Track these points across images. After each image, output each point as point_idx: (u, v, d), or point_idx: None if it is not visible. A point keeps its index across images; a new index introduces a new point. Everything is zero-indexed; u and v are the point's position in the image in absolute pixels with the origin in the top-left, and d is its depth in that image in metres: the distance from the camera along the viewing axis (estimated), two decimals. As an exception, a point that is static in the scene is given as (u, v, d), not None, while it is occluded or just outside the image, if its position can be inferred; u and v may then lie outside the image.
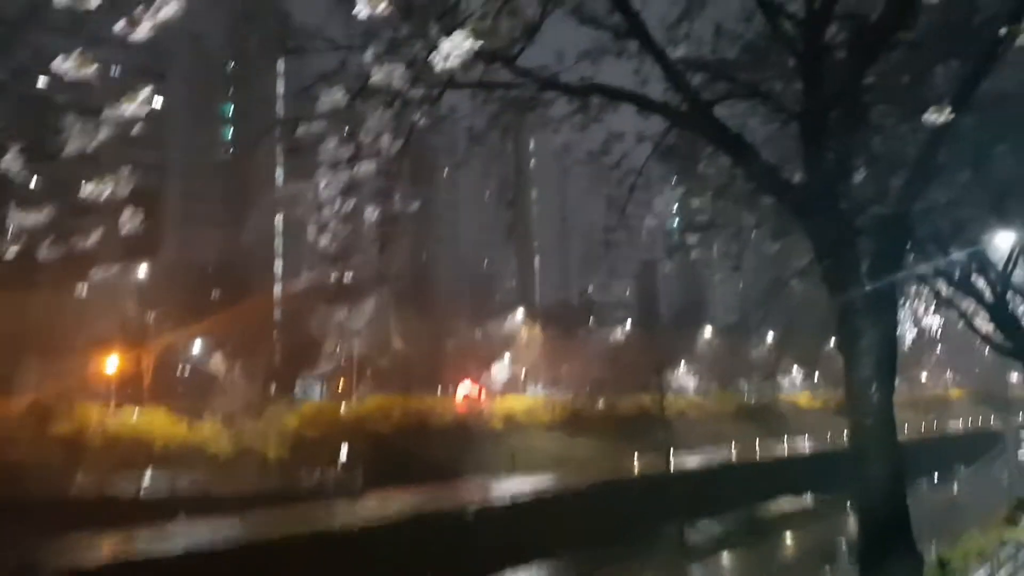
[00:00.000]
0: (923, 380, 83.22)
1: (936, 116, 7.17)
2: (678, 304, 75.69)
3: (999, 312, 10.43)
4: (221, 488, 38.06)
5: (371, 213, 8.26)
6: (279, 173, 58.34)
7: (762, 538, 37.02)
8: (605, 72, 7.23)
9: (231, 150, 62.53)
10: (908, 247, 10.19)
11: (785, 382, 74.82)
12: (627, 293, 75.85)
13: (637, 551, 34.13)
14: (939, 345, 78.82)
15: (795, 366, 74.23)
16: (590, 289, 72.03)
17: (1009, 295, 11.28)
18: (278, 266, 61.17)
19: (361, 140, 6.65)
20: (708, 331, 70.20)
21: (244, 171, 58.86)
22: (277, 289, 60.34)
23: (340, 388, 56.92)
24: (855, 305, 5.81)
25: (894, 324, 5.95)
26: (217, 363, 48.31)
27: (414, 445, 45.94)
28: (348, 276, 63.38)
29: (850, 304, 5.85)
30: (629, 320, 66.78)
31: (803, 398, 71.94)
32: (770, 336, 65.58)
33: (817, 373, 75.95)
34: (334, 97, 6.36)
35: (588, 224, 68.05)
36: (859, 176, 8.16)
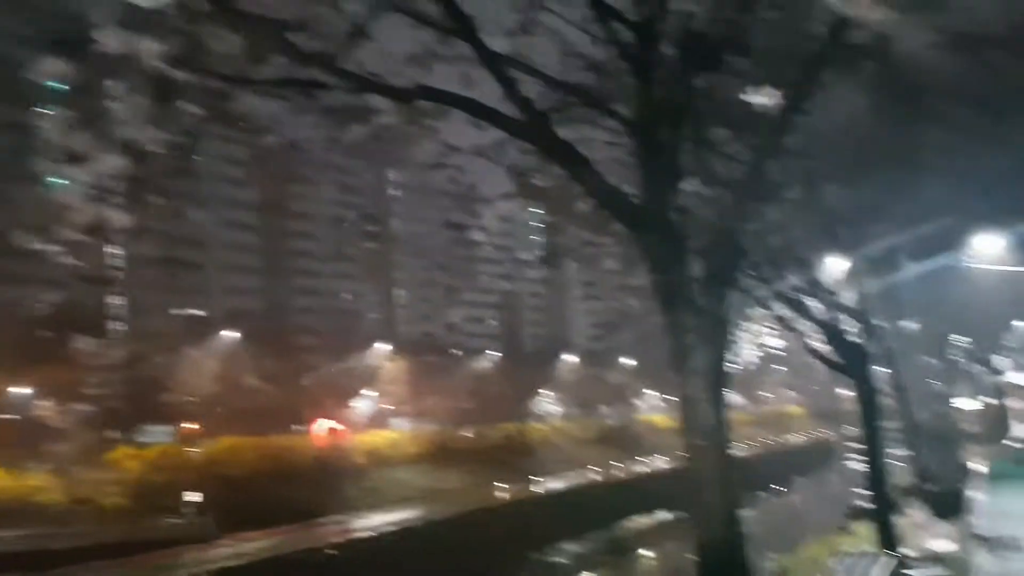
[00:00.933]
0: (768, 397, 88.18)
1: (757, 139, 7.51)
2: (542, 333, 76.83)
3: (830, 330, 11.00)
4: (56, 542, 35.05)
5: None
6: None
7: (621, 556, 37.72)
8: (443, 82, 7.03)
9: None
10: (742, 268, 10.63)
11: (643, 404, 77.16)
12: (493, 323, 76.25)
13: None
14: (782, 366, 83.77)
15: (650, 390, 76.76)
16: (455, 320, 71.90)
17: (840, 316, 11.95)
18: (120, 303, 57.35)
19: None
20: (571, 358, 71.56)
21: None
22: (119, 328, 56.46)
23: (191, 431, 53.85)
24: (685, 324, 5.76)
25: (724, 345, 5.92)
26: (49, 410, 44.50)
27: (271, 486, 43.98)
28: (199, 312, 60.90)
29: (680, 323, 5.79)
30: (494, 351, 66.88)
31: (660, 419, 74.34)
32: (628, 361, 67.60)
33: (674, 396, 78.87)
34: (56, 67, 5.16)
35: (449, 254, 68.36)
36: (691, 193, 8.27)
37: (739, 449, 68.05)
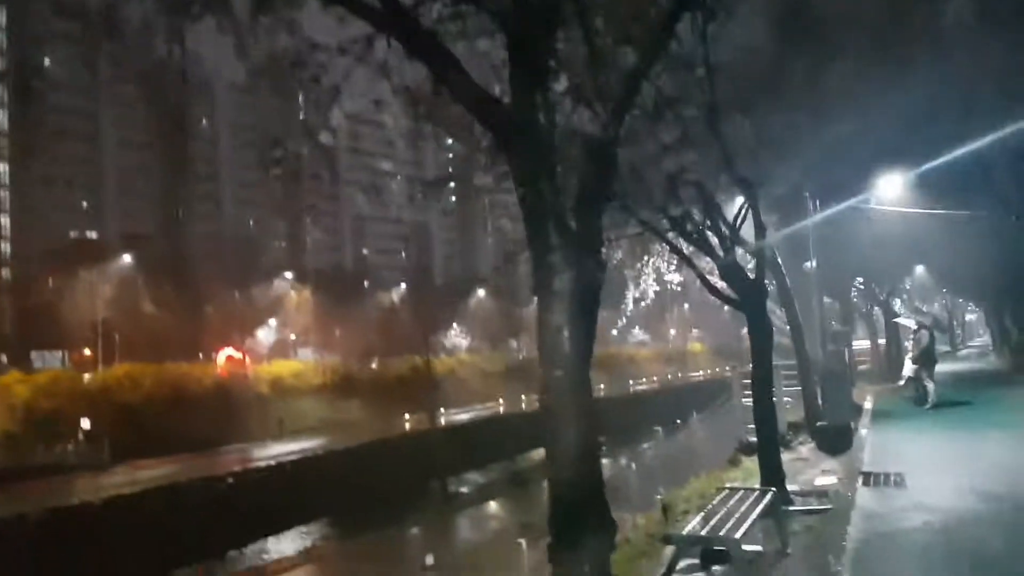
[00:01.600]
0: (671, 335, 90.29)
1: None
2: (452, 266, 75.99)
3: (728, 265, 10.49)
4: (-63, 471, 33.13)
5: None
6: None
7: (522, 487, 38.00)
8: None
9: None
10: (629, 193, 10.03)
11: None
12: (402, 256, 74.93)
13: (403, 508, 33.77)
14: (686, 303, 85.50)
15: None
16: (364, 252, 70.29)
17: (738, 250, 11.48)
18: (4, 223, 53.67)
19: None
20: (480, 292, 71.10)
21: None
22: (4, 248, 53.00)
23: (85, 357, 51.35)
24: (550, 243, 4.95)
25: (595, 270, 5.10)
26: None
27: (170, 414, 42.50)
28: (92, 234, 57.63)
29: (544, 241, 4.99)
30: (403, 283, 65.68)
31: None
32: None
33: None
34: None
35: (359, 184, 66.33)
36: (567, 100, 7.33)
37: (641, 384, 70.07)
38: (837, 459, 13.77)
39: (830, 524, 9.09)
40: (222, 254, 59.66)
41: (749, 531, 8.56)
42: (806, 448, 15.30)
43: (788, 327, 16.36)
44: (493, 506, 36.07)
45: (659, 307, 75.24)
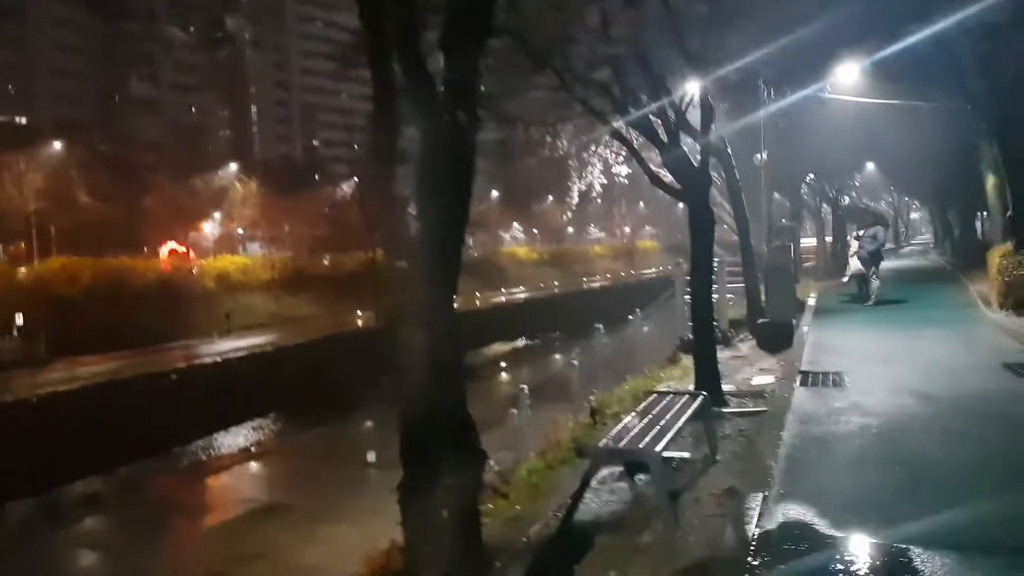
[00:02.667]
0: (625, 233, 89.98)
1: None
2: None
3: (671, 152, 9.46)
4: None
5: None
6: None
7: (470, 381, 37.92)
8: None
9: None
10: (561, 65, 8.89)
11: (507, 236, 76.85)
12: (355, 148, 72.09)
13: (353, 405, 33.32)
14: (640, 202, 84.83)
15: (515, 222, 76.26)
16: (315, 143, 67.49)
17: (682, 136, 10.45)
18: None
19: None
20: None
21: None
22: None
23: (21, 250, 49.12)
24: (396, 82, 3.63)
25: (466, 128, 3.76)
26: None
27: (111, 309, 41.00)
28: (21, 120, 54.07)
29: (389, 79, 3.66)
30: (356, 176, 63.38)
31: (522, 251, 74.42)
32: (494, 193, 66.16)
33: (536, 230, 78.89)
34: None
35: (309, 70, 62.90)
36: None
37: (594, 282, 69.97)
38: (777, 357, 13.28)
39: (764, 428, 8.51)
40: (163, 143, 56.76)
41: (676, 438, 7.95)
42: (746, 346, 14.81)
43: (734, 220, 15.57)
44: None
45: (612, 204, 74.42)
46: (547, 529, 6.21)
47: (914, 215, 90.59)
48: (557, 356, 39.60)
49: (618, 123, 10.43)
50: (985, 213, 30.86)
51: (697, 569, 5.28)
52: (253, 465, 28.10)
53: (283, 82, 65.00)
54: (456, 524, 3.25)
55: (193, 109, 59.96)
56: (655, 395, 7.62)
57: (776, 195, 37.40)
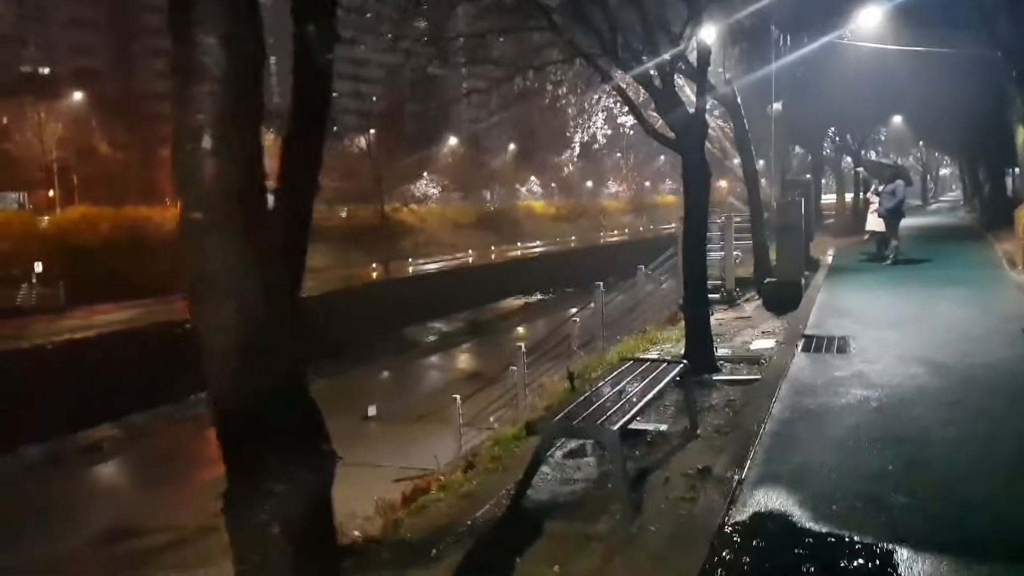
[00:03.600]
0: (644, 187, 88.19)
1: None
2: (425, 112, 72.22)
3: (665, 98, 8.53)
4: None
5: None
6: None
7: (479, 335, 37.44)
8: None
9: None
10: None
11: (523, 190, 75.60)
12: (373, 100, 70.88)
13: (363, 356, 33.07)
14: (661, 156, 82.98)
15: (532, 176, 74.88)
16: (334, 95, 66.24)
17: (677, 80, 9.49)
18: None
19: None
20: (452, 140, 68.02)
21: None
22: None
23: (44, 198, 48.99)
24: None
25: (320, 43, 2.73)
26: None
27: (128, 258, 40.95)
28: (44, 70, 53.48)
29: None
30: (373, 128, 62.29)
31: (538, 206, 73.26)
32: (511, 146, 64.88)
33: (553, 183, 77.50)
34: None
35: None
36: None
37: (611, 236, 68.69)
38: (782, 319, 12.41)
39: (754, 398, 7.71)
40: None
41: (655, 408, 7.21)
42: (751, 306, 13.94)
43: (744, 174, 14.58)
44: (447, 356, 35.37)
45: (621, 156, 72.68)
46: (496, 510, 5.52)
47: (944, 171, 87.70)
48: (568, 311, 38.91)
49: (610, 67, 9.47)
50: (1016, 169, 29.35)
51: (653, 564, 4.56)
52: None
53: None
54: (295, 542, 2.53)
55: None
56: (632, 361, 6.84)
57: (798, 148, 35.98)
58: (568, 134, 17.06)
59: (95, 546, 16.53)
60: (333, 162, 52.49)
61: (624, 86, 10.33)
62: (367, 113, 64.37)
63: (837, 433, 6.53)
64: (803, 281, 14.03)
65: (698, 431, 6.76)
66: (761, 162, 19.02)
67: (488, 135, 66.80)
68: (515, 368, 13.73)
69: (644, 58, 9.04)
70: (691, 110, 9.03)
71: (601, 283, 16.18)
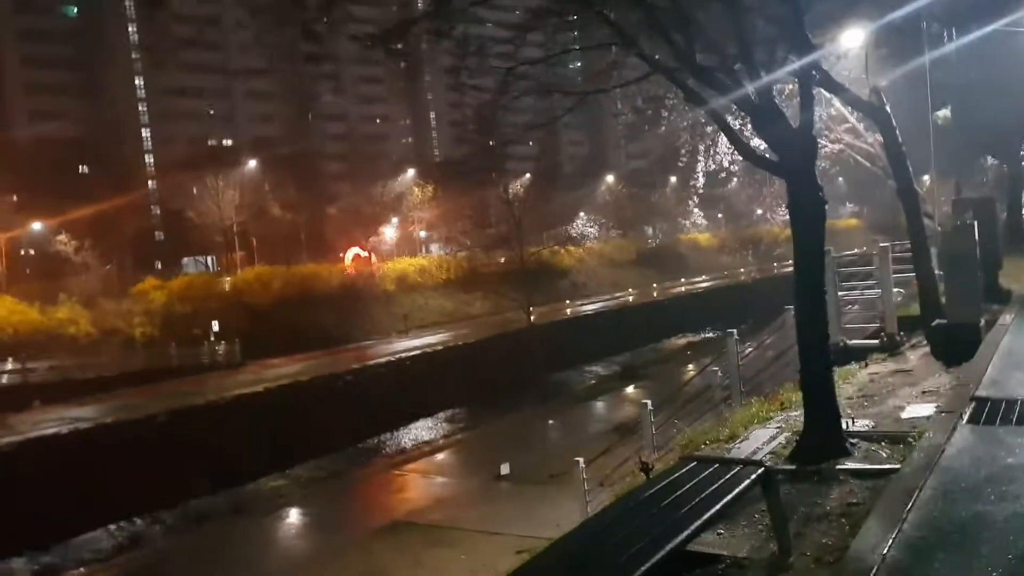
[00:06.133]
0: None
1: None
2: (582, 153, 71.68)
3: (761, 113, 6.82)
4: (83, 372, 34.90)
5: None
6: (133, 35, 51.12)
7: (632, 380, 35.35)
8: None
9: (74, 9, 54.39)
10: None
11: (687, 223, 72.54)
12: (531, 145, 71.12)
13: (513, 403, 32.22)
14: (839, 178, 77.15)
15: (696, 208, 71.74)
16: (491, 143, 67.11)
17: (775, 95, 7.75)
18: (146, 136, 54.95)
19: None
20: (611, 178, 66.59)
21: (94, 33, 51.38)
22: (148, 160, 54.47)
23: (231, 261, 52.75)
24: None
25: None
26: (71, 244, 43.40)
27: (299, 314, 42.90)
28: (227, 142, 58.24)
29: None
30: (531, 172, 62.30)
31: (703, 237, 69.89)
32: (672, 180, 62.57)
33: (720, 214, 73.92)
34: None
35: (487, 71, 62.45)
36: None
37: (782, 267, 63.88)
38: (951, 372, 9.91)
39: (885, 502, 5.68)
40: (349, 154, 58.83)
41: (735, 521, 5.43)
42: (916, 355, 11.42)
43: (899, 193, 12.15)
44: (596, 404, 33.61)
45: (764, 184, 67.63)
46: None
47: None
48: (732, 351, 35.91)
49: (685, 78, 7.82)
50: None
51: None
52: (408, 473, 27.21)
53: (458, 85, 65.21)
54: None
55: (378, 120, 61.64)
56: (695, 463, 5.12)
57: (990, 159, 31.57)
58: (680, 162, 15.26)
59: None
60: (489, 209, 52.92)
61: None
62: (526, 157, 64.61)
63: (1001, 571, 4.45)
64: (982, 322, 11.32)
65: (791, 559, 4.92)
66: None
67: (648, 170, 64.83)
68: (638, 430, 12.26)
69: (736, 67, 7.36)
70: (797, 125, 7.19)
71: (735, 331, 14.17)
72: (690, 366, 35.92)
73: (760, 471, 4.82)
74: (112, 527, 23.72)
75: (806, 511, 5.73)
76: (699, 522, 4.20)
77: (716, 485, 4.61)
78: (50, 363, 35.21)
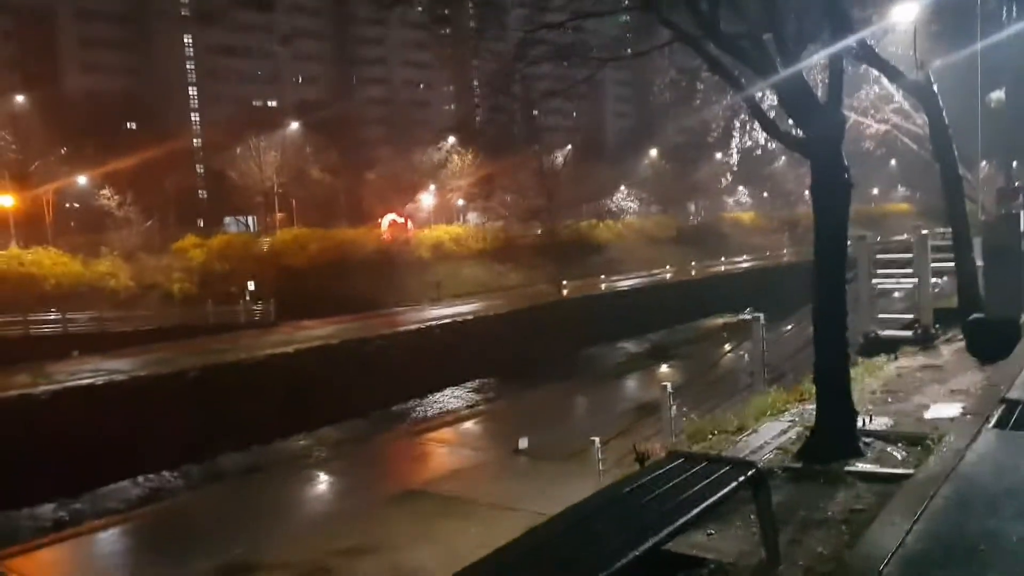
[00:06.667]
0: (872, 194, 79.53)
1: None
2: (626, 126, 70.36)
3: (787, 83, 6.36)
4: (121, 325, 35.50)
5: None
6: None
7: (663, 359, 34.72)
8: None
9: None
10: None
11: (731, 201, 70.96)
12: (573, 115, 70.14)
13: (540, 377, 31.92)
14: (892, 160, 74.96)
15: (741, 186, 70.08)
16: (534, 112, 66.23)
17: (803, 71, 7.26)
18: (192, 94, 55.32)
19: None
20: (654, 153, 65.30)
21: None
22: (194, 118, 54.88)
23: (270, 222, 53.12)
24: None
25: None
26: (121, 200, 43.96)
27: (333, 277, 42.98)
28: (272, 103, 58.40)
29: None
30: (573, 144, 61.35)
31: (747, 217, 68.37)
32: (718, 155, 61.06)
33: (765, 192, 72.21)
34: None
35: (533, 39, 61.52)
36: None
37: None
38: (984, 370, 9.37)
39: (892, 510, 5.28)
40: (391, 119, 58.54)
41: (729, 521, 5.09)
42: (950, 349, 10.85)
43: (943, 179, 11.48)
44: (624, 381, 33.17)
45: (859, 166, 65.65)
46: None
47: None
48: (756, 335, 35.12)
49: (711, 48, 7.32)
50: None
51: None
52: (429, 441, 27.16)
53: (503, 52, 64.34)
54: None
55: (421, 86, 61.15)
56: (682, 460, 4.77)
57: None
58: (711, 137, 14.64)
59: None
60: (530, 179, 52.34)
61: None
62: (568, 129, 63.66)
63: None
64: (1023, 319, 10.69)
65: (780, 567, 4.57)
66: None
67: (692, 146, 63.37)
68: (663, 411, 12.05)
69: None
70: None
71: (762, 315, 13.67)
72: (725, 347, 35.32)
73: (751, 472, 4.46)
74: (140, 478, 24.10)
75: (805, 515, 5.37)
76: (670, 528, 3.88)
77: (700, 486, 4.27)
78: (90, 315, 35.85)
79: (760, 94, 12.38)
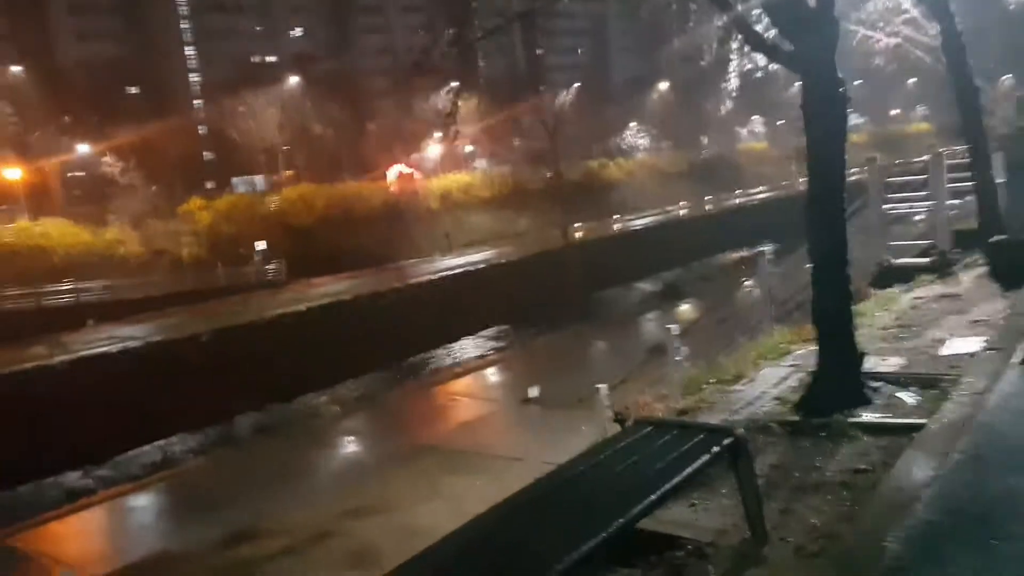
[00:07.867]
0: (894, 115, 76.94)
1: None
2: (632, 61, 68.12)
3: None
4: (133, 292, 35.31)
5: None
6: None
7: (676, 298, 34.02)
8: None
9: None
10: None
11: (744, 132, 68.90)
12: (579, 53, 68.05)
13: (554, 322, 31.44)
14: (911, 79, 72.44)
15: (754, 116, 67.95)
16: (538, 52, 64.37)
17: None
18: (189, 54, 54.11)
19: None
20: (663, 87, 63.27)
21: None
22: (193, 79, 53.79)
23: (280, 180, 52.32)
24: None
25: None
26: (124, 166, 43.39)
27: (342, 233, 42.41)
28: (270, 59, 56.99)
29: None
30: (579, 83, 59.46)
31: (760, 147, 66.45)
32: (723, 84, 59.02)
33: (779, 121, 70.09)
34: None
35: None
36: None
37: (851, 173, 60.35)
38: (1009, 297, 8.58)
39: (898, 471, 4.59)
40: (393, 66, 56.99)
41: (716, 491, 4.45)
42: (970, 276, 10.03)
43: (955, 89, 10.50)
44: (637, 323, 32.51)
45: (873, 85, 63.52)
46: None
47: None
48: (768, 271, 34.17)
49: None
50: None
51: None
52: (440, 394, 26.82)
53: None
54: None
55: (421, 32, 59.21)
56: (651, 427, 4.11)
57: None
58: (703, 61, 13.64)
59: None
60: (535, 122, 50.93)
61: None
62: (574, 67, 61.78)
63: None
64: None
65: (765, 548, 3.94)
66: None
67: (701, 77, 61.35)
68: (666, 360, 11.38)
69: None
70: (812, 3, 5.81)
71: (767, 249, 12.90)
72: (742, 282, 34.42)
73: (727, 441, 3.78)
74: (161, 442, 24.13)
75: (800, 478, 4.71)
76: (622, 520, 3.22)
77: (668, 459, 3.61)
78: (102, 283, 35.65)
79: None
